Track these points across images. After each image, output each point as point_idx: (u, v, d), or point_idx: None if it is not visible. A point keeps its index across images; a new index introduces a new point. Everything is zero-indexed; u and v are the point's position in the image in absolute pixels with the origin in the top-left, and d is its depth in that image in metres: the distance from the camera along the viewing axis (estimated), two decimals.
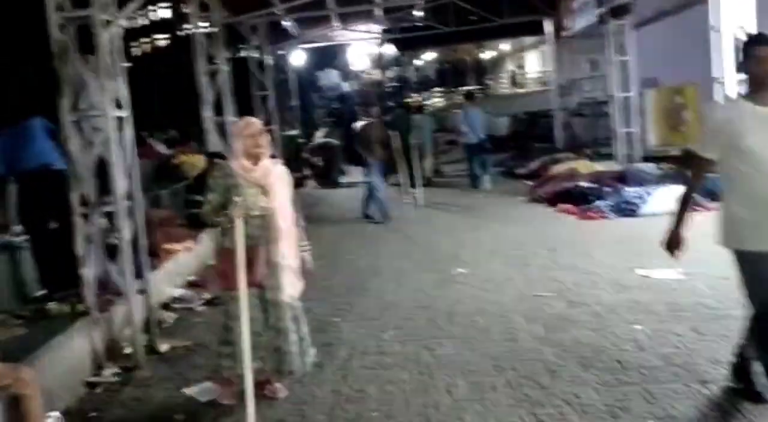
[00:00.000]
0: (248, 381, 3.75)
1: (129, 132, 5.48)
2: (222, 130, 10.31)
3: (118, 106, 5.39)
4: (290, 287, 4.09)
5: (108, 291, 5.40)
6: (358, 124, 11.43)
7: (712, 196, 9.93)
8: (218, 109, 10.40)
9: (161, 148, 11.83)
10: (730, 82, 9.56)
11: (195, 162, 10.40)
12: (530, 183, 12.86)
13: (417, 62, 45.61)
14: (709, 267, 6.33)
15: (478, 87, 37.72)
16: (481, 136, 13.71)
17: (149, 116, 14.86)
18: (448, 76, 43.96)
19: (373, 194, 10.63)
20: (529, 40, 32.95)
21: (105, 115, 5.17)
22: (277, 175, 4.11)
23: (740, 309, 5.12)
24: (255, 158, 4.05)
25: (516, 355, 4.64)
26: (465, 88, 35.52)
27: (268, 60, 14.57)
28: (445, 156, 18.53)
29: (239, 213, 3.86)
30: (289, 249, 4.09)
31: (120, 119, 5.39)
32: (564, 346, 4.73)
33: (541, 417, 3.68)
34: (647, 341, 4.69)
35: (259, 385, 4.05)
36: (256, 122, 4.18)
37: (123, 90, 5.47)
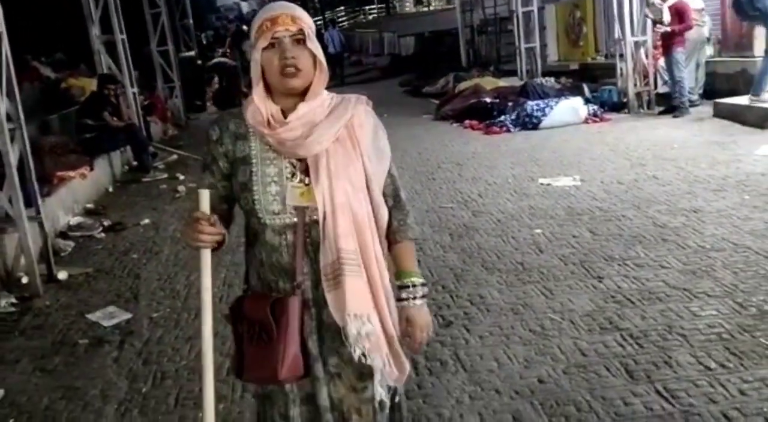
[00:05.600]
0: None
1: (5, 49, 5.05)
2: (112, 50, 9.70)
3: None
4: (380, 377, 1.86)
5: None
6: None
7: (608, 106, 10.33)
8: (107, 29, 9.75)
9: (47, 72, 11.06)
10: None
11: (84, 85, 9.82)
12: (436, 101, 12.93)
13: None
14: (604, 173, 6.64)
15: (383, 5, 37.09)
16: (338, 50, 20.69)
17: (33, 39, 13.79)
18: None
19: None
20: None
21: None
22: (338, 130, 1.82)
23: (632, 209, 5.44)
24: (288, 93, 1.80)
25: (423, 263, 4.73)
26: (369, 7, 34.81)
27: None
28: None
29: (196, 227, 1.73)
30: (376, 297, 1.83)
31: None
32: (469, 252, 4.87)
33: (448, 318, 3.80)
34: (547, 243, 4.89)
35: None
36: (286, 10, 1.78)
37: None
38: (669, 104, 9.63)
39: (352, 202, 1.79)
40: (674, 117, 9.21)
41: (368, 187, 1.83)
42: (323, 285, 1.80)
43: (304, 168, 1.80)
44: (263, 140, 1.82)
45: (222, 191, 1.88)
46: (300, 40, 1.76)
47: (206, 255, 1.77)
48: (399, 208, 1.93)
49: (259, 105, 1.80)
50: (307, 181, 1.80)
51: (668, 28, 9.20)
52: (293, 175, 1.81)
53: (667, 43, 9.32)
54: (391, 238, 1.91)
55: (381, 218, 1.85)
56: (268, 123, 1.79)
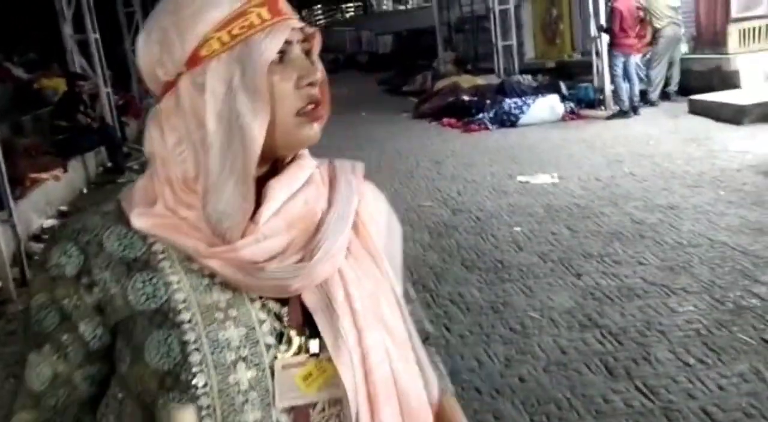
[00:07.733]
0: None
1: None
2: (85, 50, 9.57)
3: None
4: None
5: None
6: None
7: (585, 103, 10.39)
8: (80, 28, 9.62)
9: (19, 72, 10.90)
10: None
11: (57, 85, 9.69)
12: (415, 99, 12.93)
13: None
14: (581, 170, 6.67)
15: (360, 4, 37.07)
16: None
17: (4, 39, 13.59)
18: None
19: None
20: None
21: None
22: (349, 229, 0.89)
23: (609, 206, 5.47)
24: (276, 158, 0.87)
25: (403, 262, 4.72)
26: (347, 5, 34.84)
27: None
28: None
29: None
30: None
31: None
32: (449, 251, 4.86)
33: (428, 318, 3.79)
34: (526, 241, 4.90)
35: None
36: None
37: None
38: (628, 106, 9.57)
39: (398, 372, 0.88)
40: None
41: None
42: None
43: (298, 318, 0.86)
44: (193, 269, 0.83)
45: (84, 389, 0.90)
46: (308, 50, 0.86)
47: None
48: (428, 348, 1.03)
49: (241, 194, 0.80)
50: (313, 348, 0.85)
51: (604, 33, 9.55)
52: (280, 336, 0.85)
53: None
54: None
55: (431, 384, 0.95)
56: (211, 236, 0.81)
